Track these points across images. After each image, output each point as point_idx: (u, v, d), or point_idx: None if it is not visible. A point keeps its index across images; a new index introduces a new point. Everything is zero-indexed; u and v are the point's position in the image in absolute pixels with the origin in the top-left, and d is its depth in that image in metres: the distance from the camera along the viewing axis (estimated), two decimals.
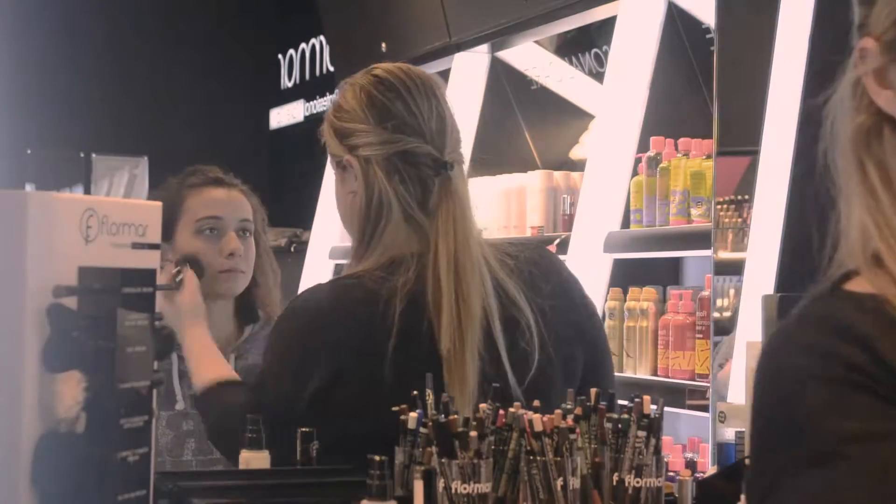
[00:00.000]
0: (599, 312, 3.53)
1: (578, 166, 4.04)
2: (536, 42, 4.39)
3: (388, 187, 2.07)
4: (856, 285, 1.10)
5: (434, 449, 1.59)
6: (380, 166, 2.08)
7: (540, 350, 2.05)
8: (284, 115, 6.97)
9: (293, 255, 5.76)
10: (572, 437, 1.62)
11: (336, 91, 2.21)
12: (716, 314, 2.95)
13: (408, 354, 1.99)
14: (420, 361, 1.94)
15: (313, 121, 6.59)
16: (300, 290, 5.95)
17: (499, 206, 4.20)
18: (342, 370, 2.03)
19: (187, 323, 2.42)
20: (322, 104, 6.55)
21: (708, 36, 3.60)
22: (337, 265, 5.38)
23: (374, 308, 2.01)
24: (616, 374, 3.46)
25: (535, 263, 2.14)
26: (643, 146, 3.52)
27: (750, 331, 2.72)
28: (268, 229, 2.81)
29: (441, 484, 1.57)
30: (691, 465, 3.31)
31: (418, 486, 1.58)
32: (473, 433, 1.59)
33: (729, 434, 1.99)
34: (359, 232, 2.12)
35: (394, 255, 2.06)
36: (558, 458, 1.59)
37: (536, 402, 1.68)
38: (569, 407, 1.72)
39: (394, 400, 1.75)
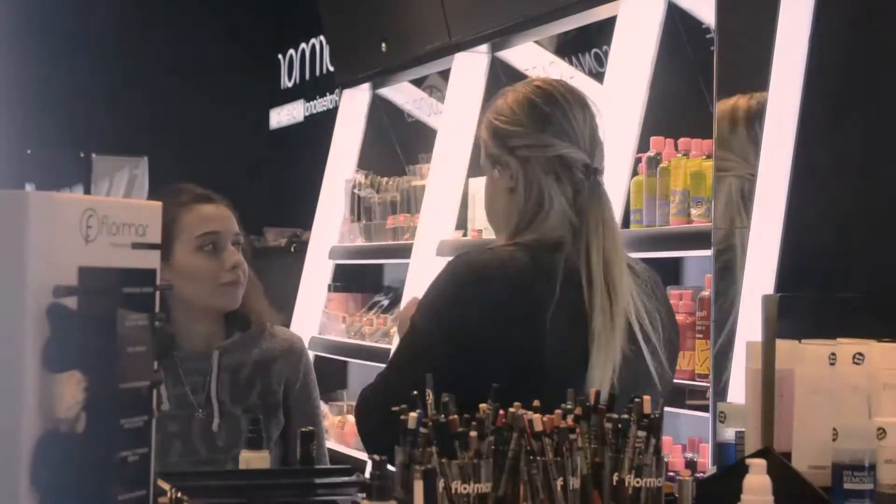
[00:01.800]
0: None
1: None
2: (536, 42, 4.39)
3: (546, 185, 2.27)
4: None
5: (434, 449, 1.59)
6: (540, 166, 2.28)
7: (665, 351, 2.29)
8: (284, 115, 6.97)
9: (293, 255, 5.76)
10: (572, 437, 1.62)
11: (495, 96, 2.38)
12: (715, 314, 2.95)
13: (561, 324, 2.17)
14: (571, 334, 2.17)
15: (313, 121, 6.59)
16: (300, 291, 5.90)
17: None
18: (497, 328, 2.18)
19: None
20: (322, 104, 6.55)
21: (708, 36, 3.60)
22: (337, 265, 5.38)
23: (535, 277, 2.19)
24: None
25: (654, 278, 2.37)
26: (643, 146, 3.52)
27: (750, 331, 2.72)
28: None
29: (441, 484, 1.57)
30: (691, 465, 3.30)
31: (418, 486, 1.58)
32: (473, 433, 1.59)
33: (729, 434, 1.99)
34: (514, 225, 2.30)
35: (551, 237, 2.25)
36: (558, 458, 1.59)
37: (536, 402, 1.68)
38: (569, 407, 1.72)
39: (541, 365, 1.89)
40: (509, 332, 2.18)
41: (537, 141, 2.29)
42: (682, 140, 3.40)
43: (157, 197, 2.67)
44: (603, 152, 2.38)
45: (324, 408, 3.48)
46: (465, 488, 1.57)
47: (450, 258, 2.34)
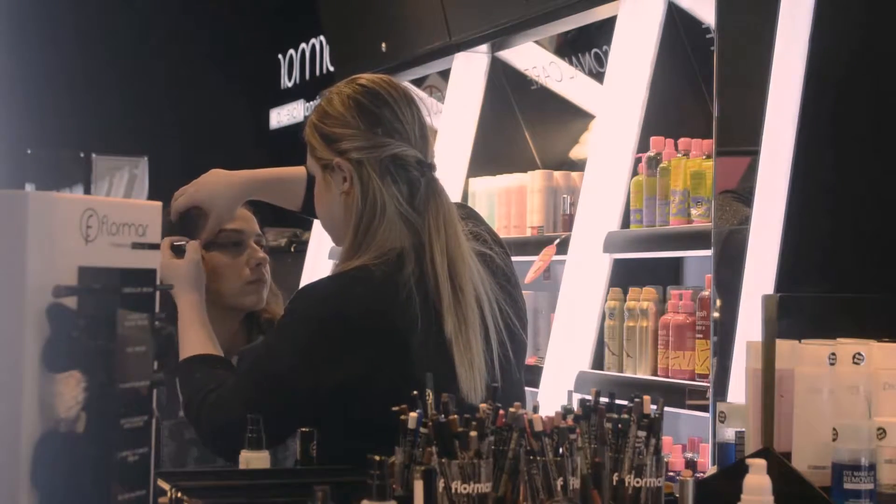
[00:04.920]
0: (599, 312, 3.55)
1: (578, 166, 4.04)
2: (536, 42, 4.38)
3: (382, 187, 2.21)
4: None
5: (434, 449, 1.59)
6: (373, 168, 2.22)
7: (522, 331, 2.29)
8: (284, 115, 6.97)
9: (293, 255, 5.76)
10: (572, 437, 1.62)
11: (318, 99, 2.33)
12: (715, 314, 2.95)
13: (423, 340, 2.13)
14: (432, 346, 2.13)
15: None
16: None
17: (499, 206, 4.20)
18: (370, 361, 2.13)
19: (185, 290, 2.44)
20: None
21: (708, 36, 3.60)
22: (336, 265, 5.37)
23: (393, 298, 2.13)
24: (616, 374, 3.47)
25: (499, 244, 2.36)
26: (643, 146, 3.52)
27: (750, 331, 2.72)
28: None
29: (441, 484, 1.57)
30: (691, 465, 3.30)
31: (418, 486, 1.57)
32: (473, 433, 1.59)
33: (729, 434, 1.99)
34: (353, 230, 2.24)
35: (392, 248, 2.19)
36: (558, 458, 1.59)
37: (537, 402, 1.68)
38: (569, 407, 1.72)
39: (416, 387, 1.80)
40: (372, 361, 2.13)
41: (369, 142, 2.23)
42: (682, 140, 3.40)
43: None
44: (433, 146, 2.32)
45: None
46: (465, 488, 1.57)
47: None
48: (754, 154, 2.87)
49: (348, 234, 2.25)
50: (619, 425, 1.68)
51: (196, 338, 2.38)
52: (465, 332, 2.16)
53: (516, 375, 2.27)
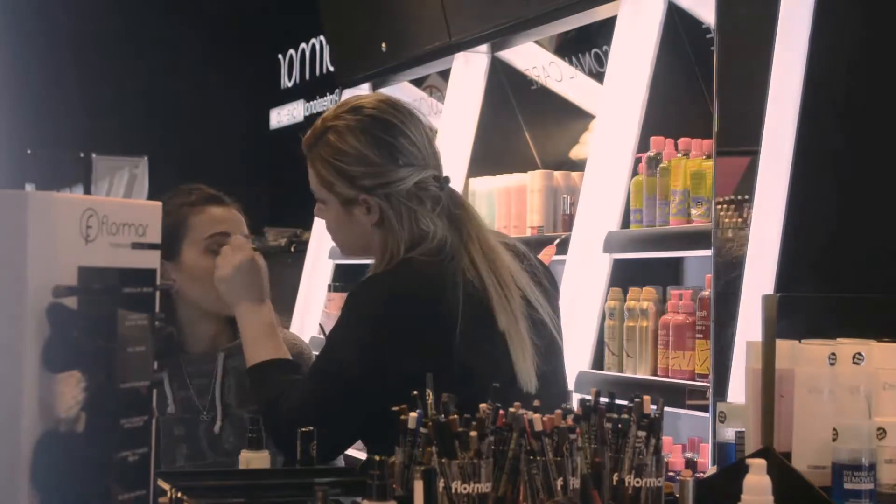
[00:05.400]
0: (599, 312, 3.55)
1: (578, 166, 4.04)
2: (536, 42, 4.39)
3: (415, 209, 2.27)
4: None
5: (434, 449, 1.59)
6: (402, 198, 2.27)
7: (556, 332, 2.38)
8: (284, 115, 6.97)
9: (293, 255, 5.76)
10: (572, 437, 1.62)
11: (323, 131, 2.37)
12: (715, 314, 2.95)
13: (479, 335, 2.21)
14: (484, 340, 2.21)
15: (313, 121, 6.58)
16: (300, 291, 5.91)
17: (499, 206, 4.20)
18: (435, 355, 2.18)
19: (263, 296, 2.47)
20: (322, 104, 6.54)
21: (708, 36, 3.60)
22: (337, 265, 5.38)
23: (453, 294, 2.20)
24: (616, 374, 3.47)
25: (532, 256, 2.43)
26: (643, 146, 3.52)
27: (750, 331, 2.72)
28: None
29: (441, 484, 1.57)
30: (691, 465, 3.30)
31: (418, 486, 1.58)
32: (473, 433, 1.59)
33: (729, 434, 1.99)
34: (397, 249, 2.29)
35: (440, 246, 2.27)
36: (558, 458, 1.59)
37: (537, 402, 1.68)
38: (569, 407, 1.72)
39: (466, 379, 1.90)
40: (433, 347, 2.18)
41: (393, 177, 2.28)
42: (682, 140, 3.40)
43: (168, 196, 2.67)
44: (440, 155, 2.39)
45: None
46: (465, 488, 1.57)
47: None
48: (754, 154, 2.87)
49: (390, 253, 2.29)
50: (619, 425, 1.68)
51: (271, 342, 2.41)
52: (517, 325, 2.24)
53: (561, 370, 2.39)
